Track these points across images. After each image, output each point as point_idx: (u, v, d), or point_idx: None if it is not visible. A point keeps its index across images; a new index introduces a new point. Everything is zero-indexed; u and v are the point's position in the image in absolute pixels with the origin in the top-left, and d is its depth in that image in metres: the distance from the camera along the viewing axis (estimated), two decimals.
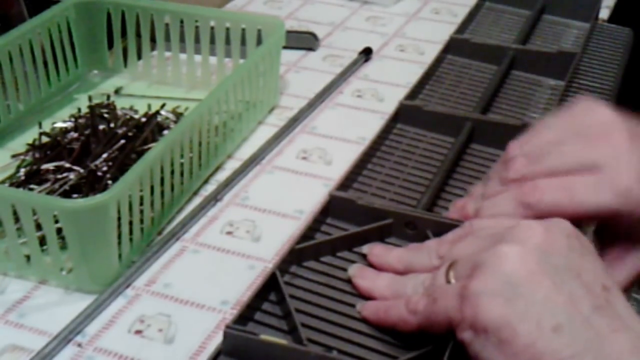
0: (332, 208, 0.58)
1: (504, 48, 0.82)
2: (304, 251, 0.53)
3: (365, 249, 0.54)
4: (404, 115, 0.70)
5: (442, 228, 0.54)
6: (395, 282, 0.50)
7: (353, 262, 0.54)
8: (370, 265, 0.54)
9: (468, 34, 0.88)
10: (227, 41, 0.79)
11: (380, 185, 0.63)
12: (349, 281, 0.52)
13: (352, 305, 0.50)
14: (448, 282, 0.45)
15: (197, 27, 0.78)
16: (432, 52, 0.88)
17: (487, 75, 0.80)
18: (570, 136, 0.52)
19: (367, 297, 0.51)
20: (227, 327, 0.46)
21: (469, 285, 0.42)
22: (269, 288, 0.50)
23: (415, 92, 0.74)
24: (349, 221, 0.57)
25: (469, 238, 0.49)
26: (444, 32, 0.88)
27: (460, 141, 0.67)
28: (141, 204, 0.58)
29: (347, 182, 0.61)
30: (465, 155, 0.67)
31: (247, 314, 0.48)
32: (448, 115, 0.70)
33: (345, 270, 0.53)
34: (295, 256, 0.53)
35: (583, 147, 0.51)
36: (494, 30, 0.90)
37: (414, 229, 0.55)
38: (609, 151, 0.50)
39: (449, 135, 0.69)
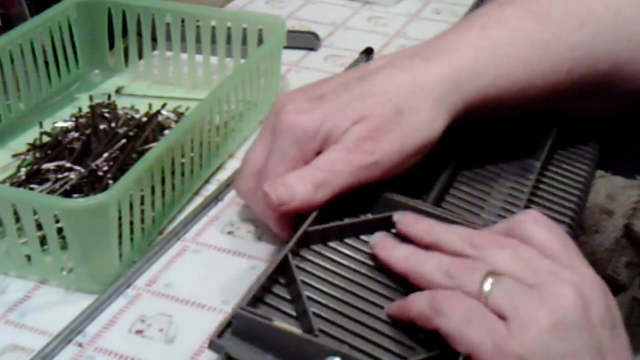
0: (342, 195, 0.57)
1: None
2: (313, 234, 0.53)
3: (396, 216, 0.53)
4: None
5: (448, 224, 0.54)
6: (415, 255, 0.49)
7: (359, 249, 0.53)
8: (399, 236, 0.53)
9: None
10: (228, 41, 0.79)
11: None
12: (354, 269, 0.52)
13: (366, 300, 0.50)
14: (480, 294, 0.44)
15: (198, 26, 0.78)
16: None
17: None
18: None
19: (377, 280, 0.51)
20: (241, 308, 0.45)
21: (508, 342, 0.42)
22: (279, 271, 0.50)
23: None
24: (358, 209, 0.57)
25: (511, 252, 0.47)
26: None
27: (473, 136, 0.66)
28: (142, 203, 0.58)
29: None
30: (477, 150, 0.66)
31: (260, 296, 0.48)
32: None
33: (350, 257, 0.53)
34: (305, 239, 0.53)
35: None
36: None
37: None
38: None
39: (462, 129, 0.68)
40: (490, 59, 0.57)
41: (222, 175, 0.68)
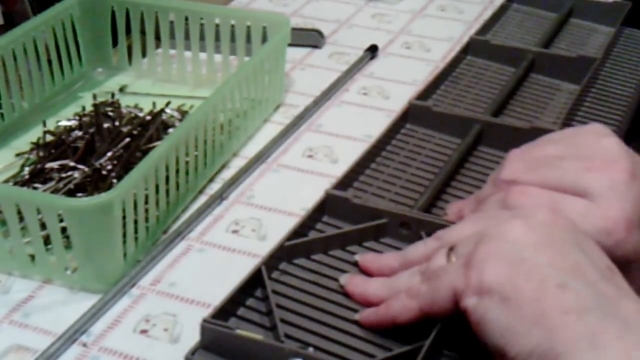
0: (327, 206, 0.57)
1: (523, 50, 0.80)
2: (295, 248, 0.53)
3: (357, 257, 0.54)
4: (412, 115, 0.70)
5: (437, 229, 0.53)
6: (389, 279, 0.50)
7: (345, 261, 0.53)
8: (364, 272, 0.53)
9: (491, 35, 0.86)
10: (232, 39, 0.78)
11: (380, 185, 0.62)
12: (337, 280, 0.52)
13: (338, 304, 0.50)
14: (449, 262, 0.46)
15: (202, 24, 0.78)
16: (438, 50, 0.87)
17: (505, 77, 0.78)
18: (573, 155, 0.51)
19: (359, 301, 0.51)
20: (205, 320, 0.46)
21: (473, 253, 0.43)
22: (255, 284, 0.50)
23: (427, 92, 0.73)
24: (344, 220, 0.57)
25: (467, 221, 0.49)
26: (450, 29, 0.87)
27: (466, 143, 0.66)
28: (146, 202, 0.58)
29: (347, 180, 0.61)
30: (472, 157, 0.66)
31: (229, 309, 0.48)
32: (456, 116, 0.69)
33: (336, 269, 0.53)
34: (285, 253, 0.52)
35: (582, 169, 0.50)
36: (518, 32, 0.88)
37: (408, 230, 0.55)
38: (605, 182, 0.49)
39: (457, 137, 0.68)
40: None
41: (227, 174, 0.68)
